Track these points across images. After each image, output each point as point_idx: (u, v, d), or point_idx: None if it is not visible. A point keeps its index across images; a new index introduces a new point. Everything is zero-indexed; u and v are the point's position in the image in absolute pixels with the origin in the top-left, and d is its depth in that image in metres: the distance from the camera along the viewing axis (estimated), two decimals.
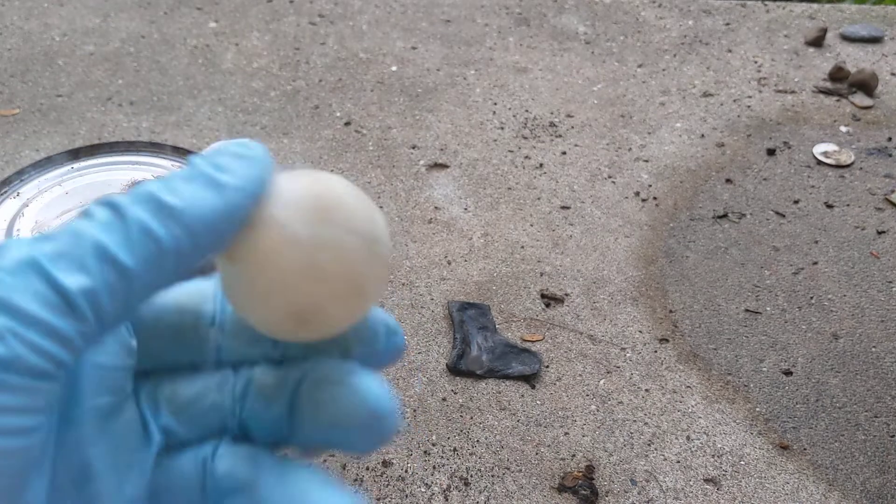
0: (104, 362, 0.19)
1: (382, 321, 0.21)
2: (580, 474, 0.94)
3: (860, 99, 1.77)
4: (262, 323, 0.19)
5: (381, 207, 1.35)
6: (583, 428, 1.00)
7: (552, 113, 1.66)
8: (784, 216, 1.42)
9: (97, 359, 0.19)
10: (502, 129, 1.60)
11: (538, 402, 1.03)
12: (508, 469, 0.94)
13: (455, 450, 0.96)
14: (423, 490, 0.91)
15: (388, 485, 0.91)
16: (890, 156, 1.59)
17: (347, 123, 1.57)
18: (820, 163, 1.56)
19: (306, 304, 0.18)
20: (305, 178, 0.19)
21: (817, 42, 2.00)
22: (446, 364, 1.06)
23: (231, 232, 0.18)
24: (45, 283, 0.16)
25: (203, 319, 0.21)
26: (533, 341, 1.11)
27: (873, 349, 1.15)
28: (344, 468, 0.93)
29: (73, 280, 0.16)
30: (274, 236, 0.18)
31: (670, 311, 1.19)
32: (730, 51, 1.95)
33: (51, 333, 0.16)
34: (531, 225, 1.34)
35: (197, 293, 0.21)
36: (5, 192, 0.77)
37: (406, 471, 0.93)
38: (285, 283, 0.18)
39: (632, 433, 1.00)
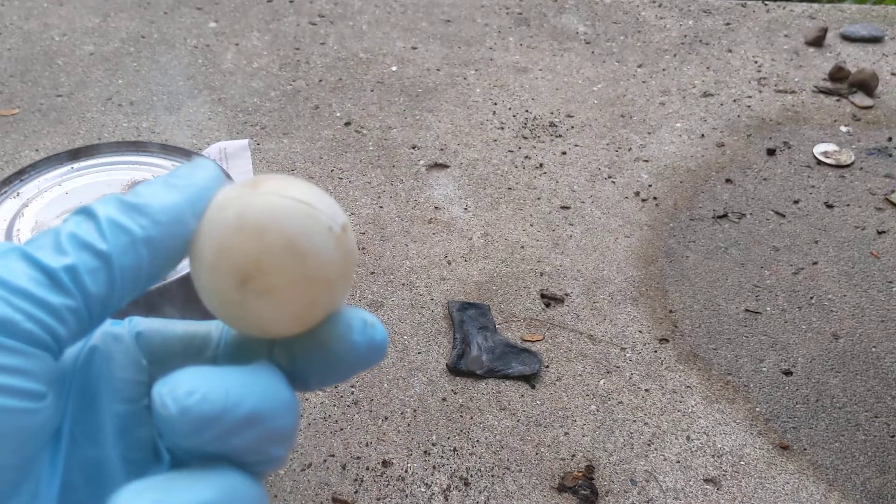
0: (117, 374, 0.20)
1: (359, 315, 0.21)
2: (580, 474, 0.94)
3: (860, 99, 1.77)
4: (220, 305, 0.19)
5: (381, 208, 1.35)
6: (583, 428, 1.00)
7: (552, 113, 1.66)
8: (784, 216, 1.41)
9: (111, 371, 0.20)
10: (502, 129, 1.60)
11: (538, 402, 1.03)
12: (508, 469, 0.94)
13: (455, 450, 0.96)
14: (423, 490, 0.91)
15: (388, 485, 0.91)
16: (890, 156, 1.59)
17: (347, 123, 1.57)
18: (820, 163, 1.56)
19: (243, 263, 0.19)
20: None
21: (817, 42, 2.00)
22: (446, 364, 1.06)
23: (192, 220, 0.19)
24: (29, 263, 0.17)
25: (209, 345, 0.22)
26: (533, 341, 1.11)
27: (873, 349, 1.15)
28: (344, 468, 0.93)
29: (55, 260, 0.17)
30: (211, 211, 0.19)
31: (670, 311, 1.19)
32: (730, 51, 1.95)
33: (40, 304, 0.17)
34: (531, 225, 1.34)
35: (206, 326, 0.23)
36: (5, 192, 0.77)
37: (406, 471, 0.93)
38: (223, 244, 0.19)
39: (632, 433, 1.00)
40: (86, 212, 0.19)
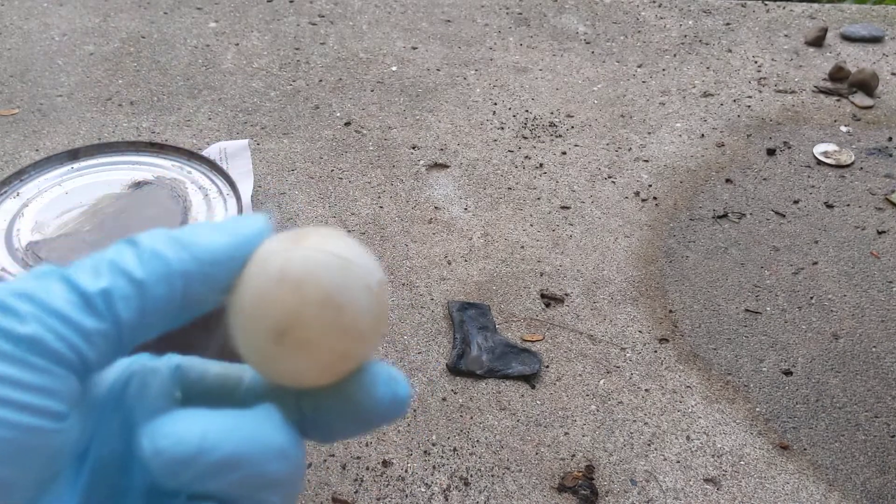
0: (150, 404, 0.21)
1: (385, 370, 0.21)
2: (580, 474, 0.94)
3: (860, 99, 1.77)
4: (255, 354, 0.20)
5: (381, 208, 1.35)
6: (583, 428, 1.00)
7: (552, 113, 1.66)
8: (784, 216, 1.42)
9: (145, 400, 0.21)
10: (502, 129, 1.60)
11: (538, 402, 1.03)
12: (508, 469, 0.94)
13: (455, 450, 0.96)
14: (423, 490, 0.91)
15: (388, 485, 0.91)
16: (890, 156, 1.59)
17: (347, 123, 1.58)
18: (820, 163, 1.56)
19: (282, 316, 0.19)
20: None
21: (817, 42, 2.00)
22: (446, 364, 1.06)
23: (233, 266, 0.20)
24: (66, 284, 0.18)
25: (242, 385, 0.23)
26: (533, 341, 1.11)
27: (873, 349, 1.15)
28: (344, 468, 0.93)
29: (91, 283, 0.18)
30: (254, 263, 0.20)
31: (670, 311, 1.19)
32: (730, 51, 1.95)
33: (70, 324, 0.17)
34: (531, 225, 1.34)
35: (240, 368, 0.23)
36: (5, 192, 0.77)
37: (406, 471, 0.93)
38: (263, 296, 0.19)
39: (632, 433, 1.00)
40: (130, 240, 0.19)
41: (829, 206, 1.44)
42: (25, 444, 0.16)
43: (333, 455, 0.94)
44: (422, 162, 1.48)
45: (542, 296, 1.19)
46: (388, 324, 0.20)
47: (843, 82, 1.82)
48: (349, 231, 1.29)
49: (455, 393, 1.03)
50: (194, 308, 0.19)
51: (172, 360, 0.22)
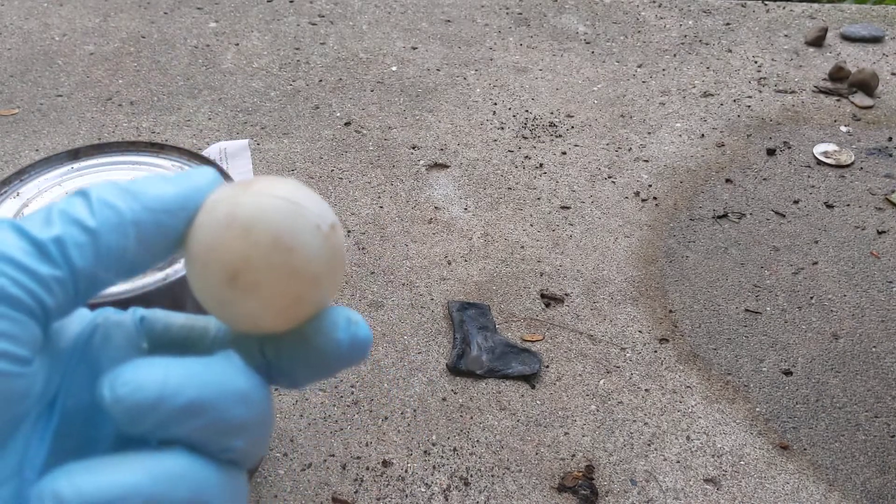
0: (116, 355, 0.21)
1: (343, 314, 0.21)
2: (580, 474, 0.94)
3: (860, 99, 1.77)
4: (210, 300, 0.20)
5: (381, 208, 1.35)
6: (583, 428, 1.00)
7: (552, 113, 1.66)
8: (784, 216, 1.42)
9: (110, 352, 0.21)
10: (502, 129, 1.60)
11: (538, 402, 1.03)
12: (508, 469, 0.94)
13: (455, 450, 0.96)
14: (423, 490, 0.91)
15: (388, 485, 0.91)
16: (890, 156, 1.59)
17: (347, 123, 1.58)
18: (820, 163, 1.56)
19: (232, 260, 0.19)
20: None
21: (817, 42, 2.00)
22: (446, 364, 1.06)
23: (184, 215, 0.20)
24: (17, 233, 0.18)
25: (207, 337, 0.23)
26: (533, 341, 1.11)
27: (873, 349, 1.15)
28: (344, 468, 0.93)
29: (43, 231, 0.18)
30: (203, 210, 0.20)
31: (670, 311, 1.19)
32: (730, 51, 1.95)
33: (26, 271, 0.17)
34: (531, 225, 1.34)
35: (205, 319, 0.23)
36: (5, 192, 0.77)
37: (406, 471, 0.93)
38: (212, 242, 0.19)
39: (632, 433, 1.00)
40: (80, 192, 0.19)
41: (829, 206, 1.44)
42: None
43: (333, 455, 0.94)
44: (422, 162, 1.48)
45: (542, 296, 1.19)
46: (344, 268, 0.20)
47: (843, 82, 1.82)
48: (349, 231, 1.29)
49: (455, 393, 1.03)
50: (147, 259, 0.20)
51: (137, 312, 0.23)
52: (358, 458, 0.94)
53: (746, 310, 1.20)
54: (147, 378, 0.18)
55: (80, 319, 0.22)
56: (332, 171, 1.44)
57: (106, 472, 0.17)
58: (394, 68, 1.78)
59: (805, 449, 1.00)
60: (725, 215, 1.41)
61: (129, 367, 0.18)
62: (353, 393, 1.02)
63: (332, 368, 0.21)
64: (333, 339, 0.20)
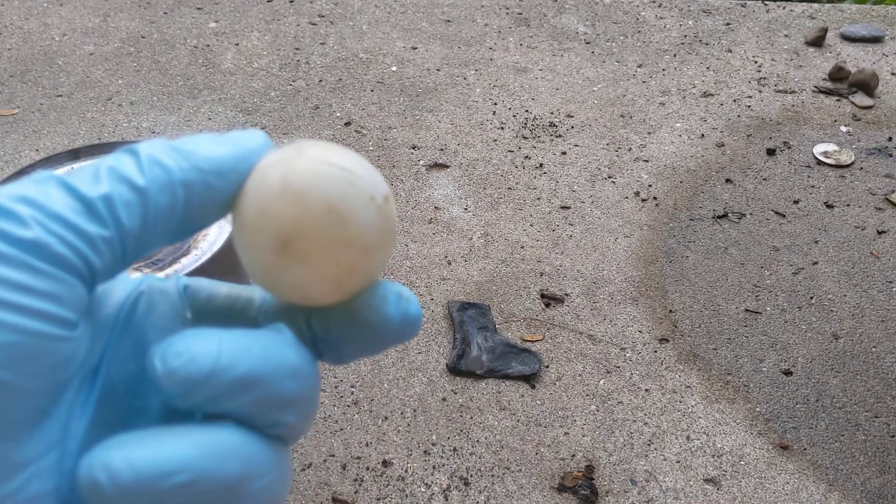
0: (161, 324, 0.21)
1: (394, 289, 0.21)
2: (580, 474, 0.94)
3: (860, 99, 1.77)
4: (259, 268, 0.20)
5: None
6: (583, 428, 1.00)
7: (552, 113, 1.66)
8: (784, 216, 1.41)
9: (155, 321, 0.21)
10: (502, 129, 1.60)
11: (538, 402, 1.03)
12: (508, 469, 0.94)
13: (455, 450, 0.96)
14: (423, 490, 0.91)
15: (388, 485, 0.91)
16: (890, 156, 1.59)
17: (347, 123, 1.58)
18: (820, 163, 1.56)
19: (284, 227, 0.19)
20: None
21: (817, 42, 2.00)
22: (446, 364, 1.06)
23: (234, 178, 0.19)
24: (67, 190, 0.17)
25: (251, 307, 0.22)
26: (533, 341, 1.11)
27: (873, 349, 1.15)
28: (344, 468, 0.93)
29: (92, 189, 0.17)
30: (255, 175, 0.20)
31: (670, 311, 1.19)
32: (730, 51, 1.95)
33: (74, 230, 0.17)
34: (531, 225, 1.34)
35: (250, 289, 0.23)
36: None
37: (406, 471, 0.93)
38: (264, 207, 0.19)
39: (632, 433, 1.00)
40: (129, 149, 0.18)
41: (829, 206, 1.44)
42: (33, 350, 0.16)
43: (333, 455, 0.94)
44: (422, 162, 1.48)
45: (542, 296, 1.19)
46: (395, 240, 0.20)
47: (843, 82, 1.82)
48: None
49: (455, 393, 1.03)
50: (195, 221, 0.19)
51: (181, 280, 0.22)
52: (358, 458, 0.94)
53: (746, 310, 1.20)
54: (201, 350, 0.17)
55: (123, 286, 0.21)
56: None
57: (158, 445, 0.17)
58: (394, 68, 1.78)
59: (805, 449, 1.00)
60: (725, 215, 1.41)
61: (181, 339, 0.17)
62: (353, 393, 1.02)
63: (381, 345, 0.20)
64: (384, 314, 0.20)
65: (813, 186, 1.50)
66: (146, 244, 0.18)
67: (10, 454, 0.17)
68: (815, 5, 2.21)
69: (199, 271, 0.69)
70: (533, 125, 1.61)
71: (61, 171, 0.81)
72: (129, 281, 0.21)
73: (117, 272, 0.18)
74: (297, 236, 0.19)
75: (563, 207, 1.39)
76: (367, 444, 0.96)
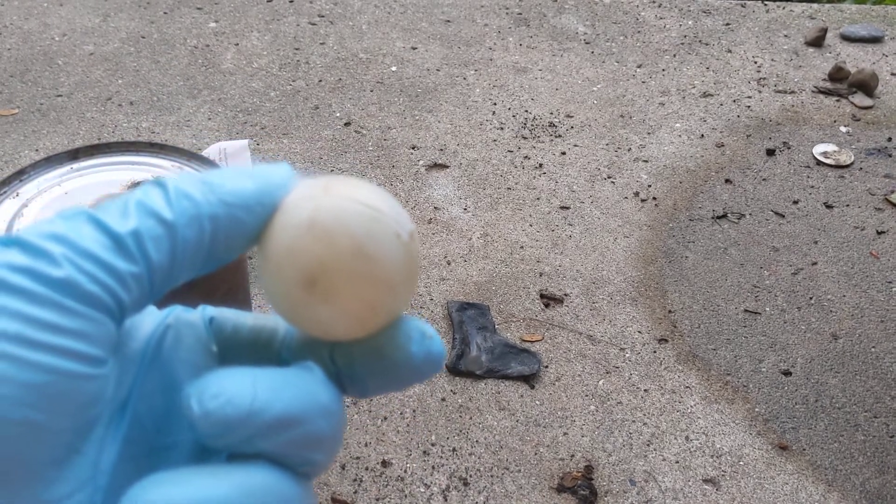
0: (189, 358, 0.21)
1: (418, 326, 0.21)
2: (579, 474, 0.94)
3: (860, 99, 1.77)
4: (285, 304, 0.20)
5: None
6: (582, 428, 1.00)
7: (552, 113, 1.66)
8: (783, 216, 1.42)
9: (183, 354, 0.21)
10: (502, 129, 1.60)
11: (537, 402, 1.03)
12: (507, 469, 0.94)
13: (454, 450, 0.96)
14: (422, 490, 0.91)
15: (387, 485, 0.91)
16: (890, 156, 1.59)
17: (347, 123, 1.58)
18: (819, 163, 1.56)
19: (312, 264, 0.19)
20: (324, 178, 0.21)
21: (817, 42, 2.00)
22: (445, 364, 1.06)
23: (261, 212, 0.19)
24: (96, 226, 0.17)
25: (275, 339, 0.22)
26: (532, 341, 1.11)
27: (873, 349, 1.15)
28: (343, 468, 0.93)
29: (121, 224, 0.17)
30: (283, 211, 0.20)
31: (669, 312, 1.19)
32: (729, 51, 1.95)
33: (104, 267, 0.17)
34: (530, 225, 1.34)
35: (274, 321, 0.23)
36: (5, 192, 0.77)
37: (405, 471, 0.93)
38: (292, 244, 0.19)
39: (631, 433, 1.00)
40: (157, 182, 0.19)
41: (829, 207, 1.44)
42: (63, 389, 0.16)
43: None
44: (421, 162, 1.48)
45: (542, 296, 1.19)
46: (418, 276, 0.20)
47: (843, 82, 1.82)
48: None
49: (454, 393, 1.03)
50: (221, 255, 0.19)
51: (207, 311, 0.22)
52: (357, 458, 0.94)
53: (746, 310, 1.20)
54: (237, 392, 0.17)
55: (150, 318, 0.21)
56: (332, 171, 1.44)
57: (196, 486, 0.17)
58: (394, 68, 1.78)
59: (804, 449, 1.00)
60: (725, 215, 1.41)
61: (216, 379, 0.17)
62: None
63: (404, 381, 0.21)
64: (407, 351, 0.20)
65: (812, 187, 1.50)
66: (173, 277, 0.18)
67: (41, 494, 0.17)
68: (815, 5, 2.21)
69: None
70: (532, 125, 1.61)
71: (61, 170, 0.81)
72: (157, 313, 0.21)
73: (144, 306, 0.18)
74: (323, 274, 0.19)
75: (562, 207, 1.39)
76: (366, 445, 0.96)
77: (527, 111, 1.66)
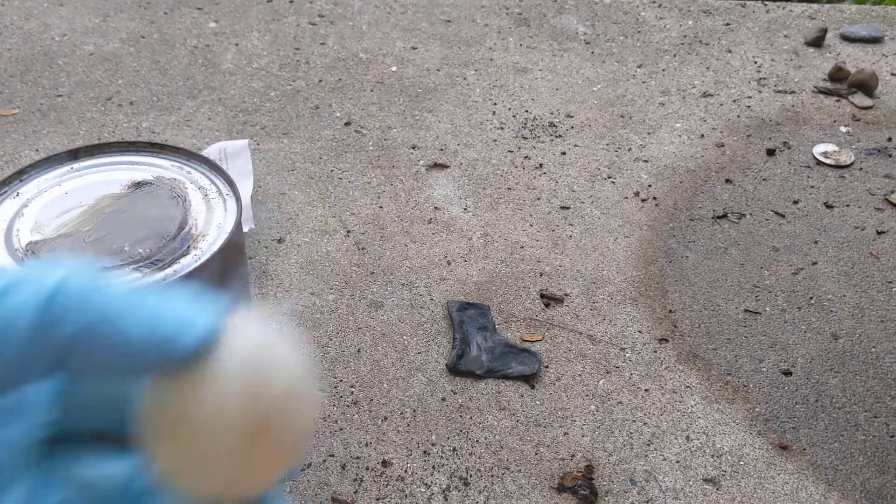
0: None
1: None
2: (580, 474, 0.94)
3: (860, 99, 1.77)
4: (188, 482, 0.20)
5: (381, 208, 1.35)
6: (582, 428, 1.00)
7: (552, 113, 1.66)
8: (784, 216, 1.42)
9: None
10: (502, 129, 1.60)
11: (538, 402, 1.03)
12: (508, 469, 0.94)
13: (454, 450, 0.96)
14: (422, 490, 0.91)
15: (387, 485, 0.91)
16: (890, 156, 1.59)
17: (347, 123, 1.58)
18: (820, 163, 1.56)
19: (251, 421, 0.20)
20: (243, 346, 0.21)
21: (817, 42, 2.00)
22: (446, 364, 1.06)
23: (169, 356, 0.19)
24: None
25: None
26: (532, 341, 1.11)
27: (873, 349, 1.15)
28: (343, 468, 0.93)
29: None
30: (208, 408, 0.20)
31: (670, 311, 1.19)
32: (730, 51, 1.96)
33: None
34: (531, 225, 1.34)
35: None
36: (5, 192, 0.77)
37: (405, 471, 0.93)
38: (220, 408, 0.19)
39: (631, 433, 1.00)
40: (47, 295, 0.19)
41: (829, 207, 1.44)
42: None
43: (333, 455, 0.94)
44: (421, 162, 1.48)
45: (542, 296, 1.19)
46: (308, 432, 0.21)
47: (843, 82, 1.82)
48: (349, 231, 1.29)
49: (455, 393, 1.03)
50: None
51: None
52: (357, 458, 0.94)
53: (746, 310, 1.20)
54: None
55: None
56: (332, 171, 1.44)
57: None
58: (394, 68, 1.78)
59: (804, 449, 1.00)
60: (725, 215, 1.41)
61: None
62: (352, 393, 1.02)
63: None
64: None
65: (812, 187, 1.50)
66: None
67: None
68: (815, 5, 2.21)
69: (200, 270, 0.69)
70: (533, 125, 1.61)
71: (61, 170, 0.81)
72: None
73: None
74: (260, 431, 0.20)
75: (562, 207, 1.39)
76: (366, 445, 0.96)
77: (527, 111, 1.66)
